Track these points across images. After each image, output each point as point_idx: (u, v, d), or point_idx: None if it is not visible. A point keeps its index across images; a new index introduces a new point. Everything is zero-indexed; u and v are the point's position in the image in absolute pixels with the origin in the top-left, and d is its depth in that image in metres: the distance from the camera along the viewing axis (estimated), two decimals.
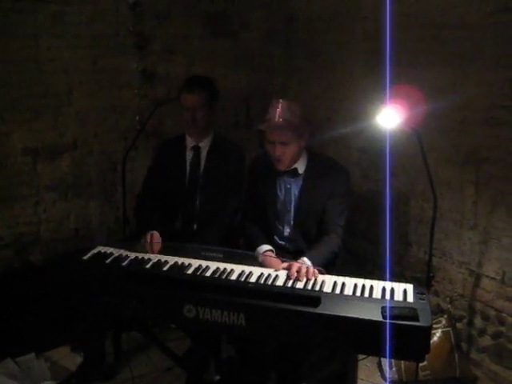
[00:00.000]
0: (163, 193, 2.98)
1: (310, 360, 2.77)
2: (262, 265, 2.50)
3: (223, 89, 3.86)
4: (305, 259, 2.42)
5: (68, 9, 3.26)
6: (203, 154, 2.97)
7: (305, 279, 2.28)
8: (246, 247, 2.75)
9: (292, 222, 2.71)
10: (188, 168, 2.97)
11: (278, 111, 2.56)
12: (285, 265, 2.39)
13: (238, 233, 2.98)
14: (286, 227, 2.73)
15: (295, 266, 2.32)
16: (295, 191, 2.69)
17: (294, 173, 2.68)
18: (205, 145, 2.97)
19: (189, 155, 2.98)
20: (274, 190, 2.73)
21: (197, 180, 2.97)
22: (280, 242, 2.75)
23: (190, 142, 2.98)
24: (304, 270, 2.28)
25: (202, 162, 2.97)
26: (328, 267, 2.45)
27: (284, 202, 2.71)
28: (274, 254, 2.57)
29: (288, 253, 2.67)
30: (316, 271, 2.32)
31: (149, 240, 2.56)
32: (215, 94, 2.92)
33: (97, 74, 3.44)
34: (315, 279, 2.28)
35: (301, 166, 2.68)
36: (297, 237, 2.71)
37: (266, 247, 2.61)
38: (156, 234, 2.62)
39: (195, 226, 2.98)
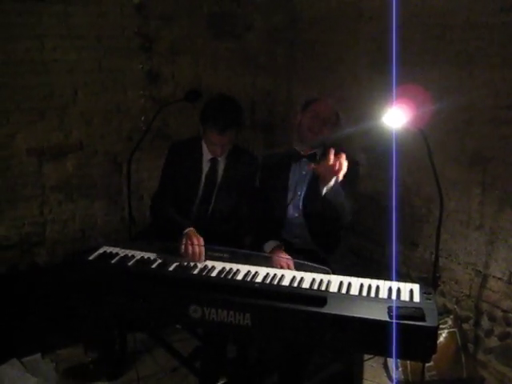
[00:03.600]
0: (176, 198, 2.92)
1: (314, 360, 2.77)
2: (269, 262, 2.49)
3: (227, 90, 3.89)
4: None
5: (73, 10, 3.26)
6: (220, 166, 2.90)
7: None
8: (252, 246, 2.75)
9: (300, 206, 2.74)
10: (203, 178, 2.89)
11: (326, 106, 2.73)
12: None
13: (242, 232, 2.98)
14: (294, 211, 2.77)
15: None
16: (309, 176, 2.73)
17: (312, 158, 2.74)
18: (222, 157, 2.89)
19: (205, 166, 2.89)
20: (285, 178, 2.77)
21: (211, 191, 2.91)
22: (288, 239, 2.76)
23: (207, 154, 2.87)
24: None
25: (219, 173, 2.90)
26: (334, 242, 2.55)
27: (295, 188, 2.75)
28: (282, 251, 2.58)
29: (293, 250, 2.66)
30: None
31: (195, 242, 2.45)
32: (243, 122, 2.84)
33: (102, 74, 3.44)
34: (321, 280, 2.27)
35: (319, 153, 2.75)
36: (303, 230, 2.76)
37: (273, 243, 2.60)
38: (194, 232, 2.53)
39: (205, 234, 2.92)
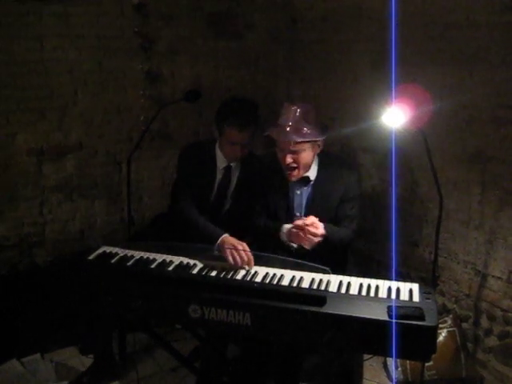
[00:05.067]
0: None
1: (314, 360, 2.77)
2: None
3: (227, 89, 3.90)
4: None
5: (73, 10, 3.26)
6: (234, 173, 2.88)
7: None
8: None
9: None
10: (216, 186, 2.88)
11: (291, 117, 2.45)
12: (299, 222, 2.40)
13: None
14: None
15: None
16: (305, 197, 2.63)
17: (305, 181, 2.61)
18: (236, 164, 2.87)
19: (219, 174, 2.86)
20: (282, 195, 2.66)
21: (224, 197, 2.90)
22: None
23: (221, 161, 2.84)
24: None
25: (233, 180, 2.89)
26: (338, 263, 2.44)
27: (293, 208, 2.66)
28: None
29: (291, 253, 2.64)
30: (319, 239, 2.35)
31: (239, 248, 2.40)
32: (259, 119, 2.74)
33: (102, 74, 3.44)
34: (320, 279, 2.27)
35: (312, 173, 2.61)
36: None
37: (288, 226, 2.54)
38: (232, 238, 2.48)
39: None
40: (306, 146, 2.47)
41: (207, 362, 2.75)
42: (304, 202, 2.64)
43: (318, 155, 2.63)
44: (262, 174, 2.77)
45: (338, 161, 2.68)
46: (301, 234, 2.40)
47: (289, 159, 2.48)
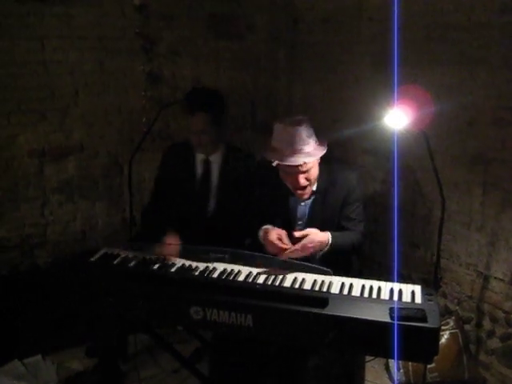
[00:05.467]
0: (171, 204, 2.91)
1: (315, 361, 2.76)
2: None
3: (228, 91, 3.89)
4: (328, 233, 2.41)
5: (74, 11, 3.27)
6: (214, 167, 2.89)
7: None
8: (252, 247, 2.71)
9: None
10: (198, 181, 2.90)
11: (290, 139, 2.35)
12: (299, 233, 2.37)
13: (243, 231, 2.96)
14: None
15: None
16: (307, 205, 2.59)
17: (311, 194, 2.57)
18: (216, 158, 2.88)
19: (199, 169, 2.89)
20: (282, 205, 2.61)
21: (207, 193, 2.90)
22: None
23: (199, 156, 2.88)
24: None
25: (214, 175, 2.89)
26: (344, 267, 2.42)
27: (294, 214, 2.62)
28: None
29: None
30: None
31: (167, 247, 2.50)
32: (221, 110, 2.77)
33: (103, 75, 3.45)
34: (322, 281, 2.27)
35: (315, 185, 2.55)
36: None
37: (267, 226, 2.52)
38: (172, 236, 2.59)
39: (206, 235, 2.85)
40: (314, 161, 2.44)
41: (215, 366, 2.74)
42: (307, 210, 2.60)
43: (320, 166, 2.57)
44: (259, 181, 2.71)
45: (337, 165, 2.63)
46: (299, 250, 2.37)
47: (302, 180, 2.43)
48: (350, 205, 2.56)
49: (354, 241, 2.54)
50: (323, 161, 2.52)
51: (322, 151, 2.42)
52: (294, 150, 2.35)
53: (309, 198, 2.56)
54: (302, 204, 2.59)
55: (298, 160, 2.36)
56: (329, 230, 2.49)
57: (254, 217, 2.70)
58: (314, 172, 2.46)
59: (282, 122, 2.40)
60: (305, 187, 2.46)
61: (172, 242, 2.54)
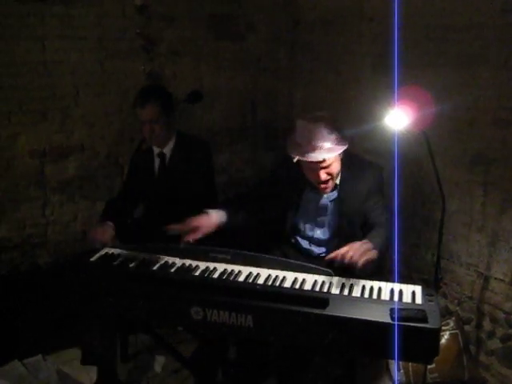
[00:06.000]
0: (139, 199, 3.03)
1: (316, 362, 2.76)
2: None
3: (229, 91, 3.90)
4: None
5: (75, 11, 3.27)
6: (168, 159, 2.97)
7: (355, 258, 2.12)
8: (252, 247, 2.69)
9: (326, 226, 2.62)
10: (156, 175, 2.98)
11: (312, 135, 2.38)
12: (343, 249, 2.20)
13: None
14: (317, 229, 2.65)
15: (342, 251, 2.16)
16: (331, 199, 2.59)
17: (333, 188, 2.57)
18: (168, 149, 2.96)
19: (156, 162, 2.98)
20: (301, 194, 2.63)
21: (165, 184, 2.96)
22: (307, 247, 2.70)
23: (155, 149, 2.97)
24: (355, 249, 2.14)
25: (167, 167, 2.97)
26: (376, 268, 2.35)
27: (317, 206, 2.62)
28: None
29: (310, 256, 2.63)
30: (368, 246, 2.17)
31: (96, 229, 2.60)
32: (169, 102, 2.88)
33: (104, 76, 3.45)
34: (323, 281, 2.26)
35: (338, 178, 2.57)
36: (332, 240, 2.61)
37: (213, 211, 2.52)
38: (106, 224, 2.65)
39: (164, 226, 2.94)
40: (335, 157, 2.46)
41: (205, 363, 2.75)
42: (331, 204, 2.60)
43: (342, 160, 2.58)
44: (278, 174, 2.73)
45: (359, 161, 2.65)
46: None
47: (323, 175, 2.45)
48: (372, 198, 2.54)
49: (385, 235, 2.42)
50: (347, 157, 2.55)
51: (342, 147, 2.44)
52: (314, 147, 2.38)
53: (332, 191, 2.58)
54: (325, 197, 2.60)
55: (317, 156, 2.38)
56: (353, 225, 2.53)
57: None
58: (336, 167, 2.49)
59: (304, 119, 2.44)
60: (327, 181, 2.49)
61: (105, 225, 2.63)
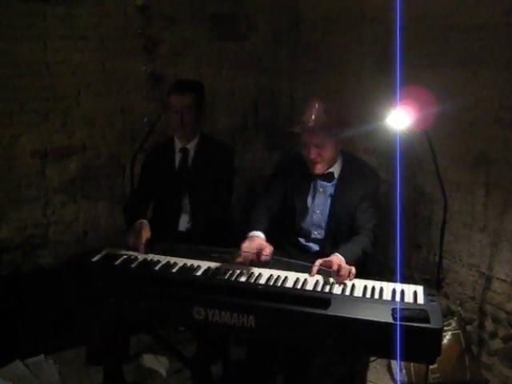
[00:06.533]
0: (154, 197, 2.99)
1: (318, 362, 2.75)
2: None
3: (231, 91, 3.90)
4: (338, 255, 2.36)
5: (77, 11, 3.27)
6: (191, 155, 2.96)
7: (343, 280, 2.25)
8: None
9: (325, 225, 2.66)
10: (177, 170, 2.97)
11: (314, 113, 2.50)
12: (320, 261, 2.32)
13: (232, 230, 2.98)
14: (314, 229, 2.69)
15: (335, 263, 2.26)
16: (329, 194, 2.64)
17: (329, 177, 2.63)
18: (192, 146, 2.95)
19: (177, 157, 2.97)
20: (304, 192, 2.68)
21: (184, 181, 2.95)
22: (305, 243, 2.72)
23: (178, 144, 2.96)
24: (346, 272, 2.24)
25: (190, 163, 2.96)
26: (358, 269, 2.38)
27: (314, 205, 2.67)
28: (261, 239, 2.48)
29: (311, 255, 2.63)
30: (353, 269, 2.28)
31: (137, 231, 2.55)
32: (203, 97, 2.93)
33: (105, 76, 3.45)
34: (325, 281, 2.26)
35: (336, 170, 2.64)
36: (328, 240, 2.66)
37: (256, 233, 2.49)
38: (145, 223, 2.63)
39: (186, 226, 2.97)
40: (329, 139, 2.51)
41: (205, 363, 2.76)
42: (328, 199, 2.65)
43: (342, 154, 2.66)
44: (286, 170, 2.78)
45: (360, 162, 2.72)
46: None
47: (313, 153, 2.53)
48: (365, 201, 2.60)
49: (363, 248, 2.52)
50: (349, 156, 2.67)
51: (338, 129, 2.50)
52: (311, 120, 2.49)
53: (328, 182, 2.63)
54: (320, 190, 2.64)
55: (308, 128, 2.49)
56: (346, 225, 2.59)
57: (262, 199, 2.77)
58: (328, 150, 2.54)
59: (313, 98, 2.56)
60: (317, 162, 2.55)
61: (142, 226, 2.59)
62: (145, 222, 2.65)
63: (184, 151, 2.95)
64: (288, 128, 2.65)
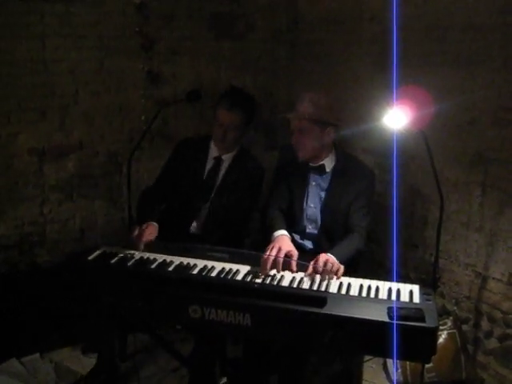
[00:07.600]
0: (172, 195, 2.94)
1: (313, 361, 2.76)
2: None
3: None
4: (329, 255, 2.37)
5: (75, 10, 3.26)
6: (224, 165, 2.92)
7: (330, 276, 2.28)
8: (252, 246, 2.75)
9: (319, 221, 2.69)
10: (205, 175, 2.92)
11: (303, 103, 2.58)
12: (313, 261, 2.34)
13: (243, 233, 2.97)
14: (309, 224, 2.72)
15: (322, 258, 2.29)
16: (322, 189, 2.68)
17: (320, 169, 2.67)
18: (228, 157, 2.92)
19: (209, 163, 2.93)
20: (299, 186, 2.72)
21: (211, 188, 2.92)
22: (299, 241, 2.73)
23: (213, 151, 2.92)
24: (331, 266, 2.27)
25: (221, 173, 2.92)
26: (351, 267, 2.42)
27: (308, 198, 2.70)
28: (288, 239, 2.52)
29: (304, 252, 2.64)
30: (342, 268, 2.30)
31: (141, 229, 2.54)
32: (252, 116, 2.87)
33: (103, 74, 3.44)
34: (321, 280, 2.27)
35: (328, 164, 2.68)
36: (321, 235, 2.69)
37: (281, 232, 2.55)
38: (152, 225, 2.61)
39: (201, 231, 2.94)
40: (313, 127, 2.56)
41: (202, 362, 2.75)
42: (320, 193, 2.68)
43: (336, 150, 2.70)
44: (283, 164, 2.83)
45: (355, 160, 2.77)
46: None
47: (294, 138, 2.60)
48: (359, 199, 2.62)
49: (356, 247, 2.56)
50: (343, 152, 2.74)
51: (319, 118, 2.55)
52: (298, 108, 2.60)
53: (319, 176, 2.67)
54: (313, 183, 2.69)
55: (293, 113, 2.61)
56: (340, 221, 2.63)
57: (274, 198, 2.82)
58: (311, 138, 2.58)
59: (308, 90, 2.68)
60: (297, 148, 2.63)
61: (148, 231, 2.56)
62: (154, 224, 2.62)
63: (218, 160, 2.91)
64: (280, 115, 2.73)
